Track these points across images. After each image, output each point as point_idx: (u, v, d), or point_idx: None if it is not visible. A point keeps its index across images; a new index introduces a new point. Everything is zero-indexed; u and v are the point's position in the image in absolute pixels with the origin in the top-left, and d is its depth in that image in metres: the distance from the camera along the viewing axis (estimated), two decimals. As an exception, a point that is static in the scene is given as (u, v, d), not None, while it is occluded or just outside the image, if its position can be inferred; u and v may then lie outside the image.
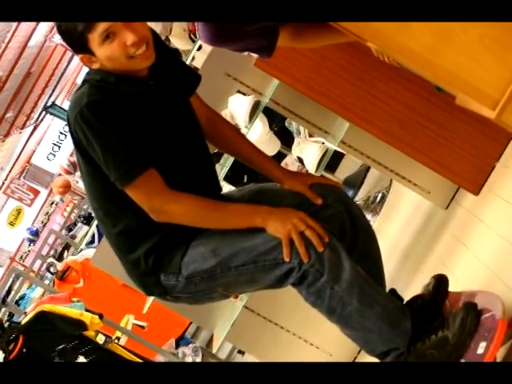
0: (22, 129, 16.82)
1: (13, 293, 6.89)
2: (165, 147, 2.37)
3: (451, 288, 2.50)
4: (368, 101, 3.51)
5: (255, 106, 4.42)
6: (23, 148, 18.52)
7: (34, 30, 13.45)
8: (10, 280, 6.75)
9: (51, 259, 8.71)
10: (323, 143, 4.72)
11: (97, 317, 4.34)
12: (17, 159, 18.56)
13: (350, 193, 5.20)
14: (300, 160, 4.95)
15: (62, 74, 18.35)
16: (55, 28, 2.38)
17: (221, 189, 2.62)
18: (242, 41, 2.66)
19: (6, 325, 4.24)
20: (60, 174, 13.65)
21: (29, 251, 15.59)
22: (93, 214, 3.16)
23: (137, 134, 2.28)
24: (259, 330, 4.36)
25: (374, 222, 4.93)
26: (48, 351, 4.20)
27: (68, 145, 17.74)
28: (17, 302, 6.87)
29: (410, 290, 3.38)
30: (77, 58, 2.48)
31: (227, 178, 4.77)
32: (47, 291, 6.42)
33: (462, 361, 2.19)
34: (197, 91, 2.58)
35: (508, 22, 1.92)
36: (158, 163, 2.31)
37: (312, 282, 2.28)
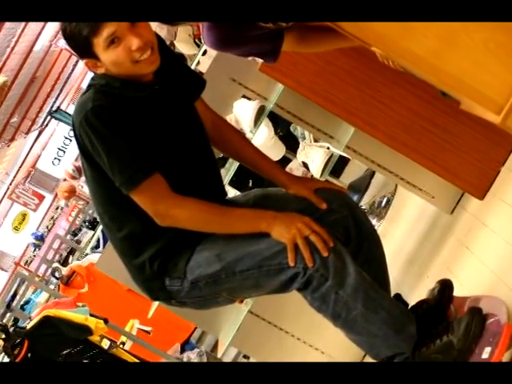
0: (27, 133, 16.81)
1: (18, 297, 6.88)
2: (170, 152, 2.37)
3: (456, 293, 2.50)
4: (373, 105, 3.51)
5: (260, 111, 4.43)
6: (28, 153, 18.51)
7: (39, 34, 13.45)
8: (15, 285, 6.76)
9: (56, 264, 8.70)
10: (328, 148, 4.72)
11: (102, 321, 4.35)
12: (22, 164, 18.55)
13: (355, 198, 5.19)
14: (305, 165, 4.94)
15: (67, 78, 18.34)
16: (60, 33, 2.39)
17: (226, 193, 2.62)
18: (247, 45, 2.67)
19: (11, 329, 4.24)
20: (65, 179, 13.67)
21: (34, 256, 15.59)
22: (98, 219, 3.16)
23: (142, 139, 2.28)
24: (264, 335, 4.35)
25: (379, 226, 4.92)
26: (53, 356, 4.20)
27: (73, 150, 17.74)
28: (22, 307, 6.86)
29: (414, 294, 3.37)
30: (82, 63, 2.48)
31: (232, 183, 4.76)
32: (52, 296, 6.42)
33: (467, 365, 2.19)
34: (202, 96, 2.58)
35: (513, 26, 1.92)
36: (163, 168, 2.31)
37: (317, 286, 2.27)
